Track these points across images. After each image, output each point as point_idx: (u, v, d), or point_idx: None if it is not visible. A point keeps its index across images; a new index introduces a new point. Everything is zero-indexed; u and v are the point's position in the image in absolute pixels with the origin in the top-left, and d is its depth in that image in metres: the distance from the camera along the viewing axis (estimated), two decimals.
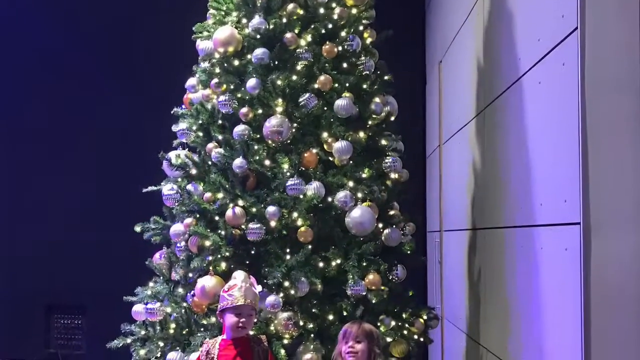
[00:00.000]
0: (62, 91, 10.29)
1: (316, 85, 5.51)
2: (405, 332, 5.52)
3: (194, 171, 5.68)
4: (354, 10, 5.80)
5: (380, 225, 5.56)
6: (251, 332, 4.60)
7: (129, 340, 5.82)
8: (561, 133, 3.86)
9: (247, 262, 5.35)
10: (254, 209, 5.27)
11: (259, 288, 4.65)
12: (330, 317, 5.27)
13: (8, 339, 9.62)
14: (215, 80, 5.65)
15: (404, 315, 5.61)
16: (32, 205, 10.31)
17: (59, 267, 9.96)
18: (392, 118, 6.04)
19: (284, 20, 5.59)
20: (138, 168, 7.78)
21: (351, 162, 5.52)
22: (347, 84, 5.61)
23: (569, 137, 3.69)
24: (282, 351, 5.06)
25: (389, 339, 5.34)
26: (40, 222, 10.20)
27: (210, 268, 5.23)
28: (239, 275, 4.49)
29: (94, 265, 9.80)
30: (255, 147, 5.42)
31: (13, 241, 10.31)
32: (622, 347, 3.48)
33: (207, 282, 5.12)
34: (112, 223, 9.28)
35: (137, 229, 5.99)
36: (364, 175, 5.53)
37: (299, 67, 5.52)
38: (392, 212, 5.79)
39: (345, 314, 5.25)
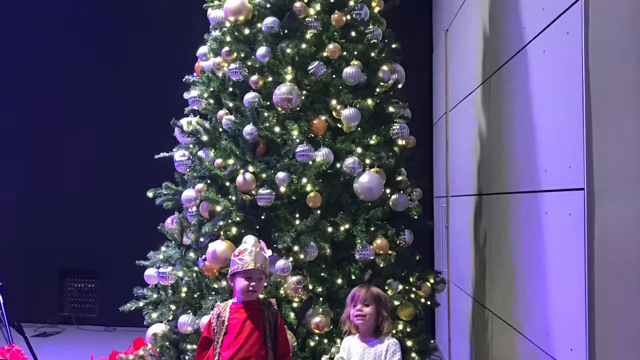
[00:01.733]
0: (78, 57, 10.37)
1: (325, 54, 5.54)
2: (412, 295, 5.59)
3: (205, 138, 5.74)
4: None
5: (388, 190, 5.62)
6: (261, 296, 4.60)
7: (141, 304, 5.91)
8: (565, 100, 3.90)
9: (257, 227, 5.42)
10: (264, 175, 5.34)
11: (268, 252, 4.65)
12: (339, 280, 5.33)
13: (24, 302, 9.75)
14: (226, 48, 5.68)
15: (411, 279, 5.68)
16: (46, 173, 10.41)
17: (73, 233, 10.08)
18: (400, 86, 6.07)
19: None
20: (150, 135, 7.87)
21: (359, 128, 5.56)
22: (356, 52, 5.65)
23: (573, 104, 3.73)
24: (292, 314, 5.14)
25: (396, 303, 5.40)
26: (54, 190, 10.30)
27: (221, 233, 5.29)
28: (249, 240, 4.48)
29: (106, 230, 9.92)
30: (265, 114, 5.47)
31: (29, 209, 10.43)
32: (625, 309, 3.53)
33: (218, 246, 5.18)
34: (124, 189, 9.39)
35: (150, 194, 6.05)
36: (371, 142, 5.57)
37: (308, 36, 5.56)
38: (399, 178, 5.84)
39: (353, 277, 5.30)
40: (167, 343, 5.59)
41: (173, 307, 5.69)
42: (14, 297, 8.47)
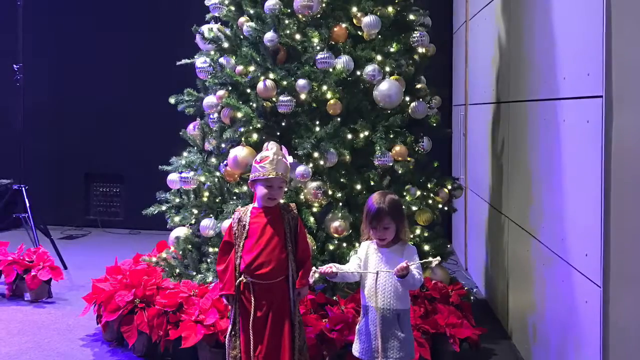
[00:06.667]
0: None
1: None
2: (430, 201, 5.68)
3: (226, 44, 5.75)
4: None
5: (407, 98, 5.66)
6: (281, 201, 4.54)
7: (164, 208, 6.01)
8: (586, 8, 3.87)
9: (278, 133, 5.47)
10: (284, 82, 5.36)
11: (290, 159, 4.55)
12: (358, 186, 5.43)
13: (52, 207, 9.92)
14: None
15: (429, 185, 5.77)
16: (74, 78, 10.43)
17: (99, 138, 10.19)
18: None
19: None
20: (172, 42, 7.89)
21: (379, 36, 5.56)
22: None
23: (594, 11, 3.70)
24: (312, 219, 5.23)
25: (414, 208, 5.50)
26: (81, 95, 10.35)
27: (242, 139, 5.36)
28: (271, 147, 4.40)
29: (131, 136, 10.01)
30: (286, 21, 5.47)
31: (56, 113, 10.50)
32: None
33: (240, 152, 5.25)
34: (149, 95, 9.41)
35: (172, 100, 6.12)
36: (392, 50, 5.58)
37: None
38: (418, 86, 5.87)
39: (372, 183, 5.40)
40: (190, 246, 5.71)
41: (195, 210, 5.78)
42: (40, 200, 8.62)
